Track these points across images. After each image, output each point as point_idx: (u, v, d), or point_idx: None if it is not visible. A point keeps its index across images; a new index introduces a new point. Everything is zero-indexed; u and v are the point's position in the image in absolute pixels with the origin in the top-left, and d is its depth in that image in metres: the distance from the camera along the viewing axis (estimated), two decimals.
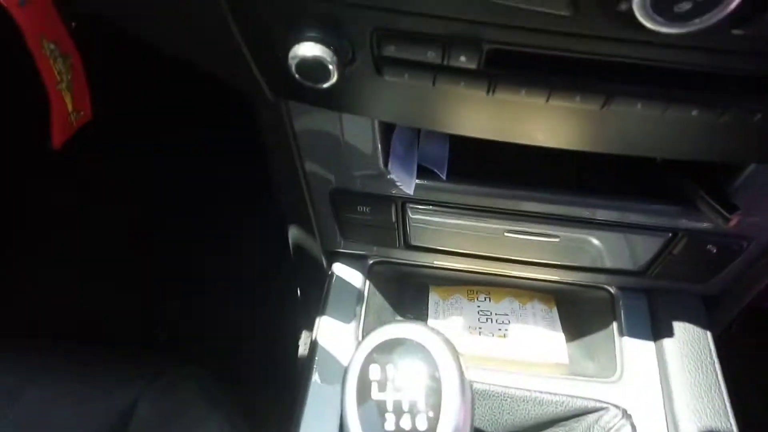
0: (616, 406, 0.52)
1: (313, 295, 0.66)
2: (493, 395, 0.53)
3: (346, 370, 0.34)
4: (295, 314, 0.72)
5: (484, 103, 0.39)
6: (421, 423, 0.30)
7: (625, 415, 0.52)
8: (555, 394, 0.53)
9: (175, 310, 0.86)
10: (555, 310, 0.65)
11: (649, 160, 0.53)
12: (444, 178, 0.51)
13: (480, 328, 0.63)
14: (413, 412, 0.31)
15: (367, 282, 0.63)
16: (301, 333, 0.71)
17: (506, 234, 0.54)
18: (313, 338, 0.57)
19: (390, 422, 0.31)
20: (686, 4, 0.27)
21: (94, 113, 0.47)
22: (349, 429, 0.32)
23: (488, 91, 0.37)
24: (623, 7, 0.29)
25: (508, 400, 0.53)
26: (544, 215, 0.52)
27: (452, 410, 0.31)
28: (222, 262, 0.91)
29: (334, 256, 0.64)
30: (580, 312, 0.64)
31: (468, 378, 0.33)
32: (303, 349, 0.72)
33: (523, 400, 0.53)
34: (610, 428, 0.51)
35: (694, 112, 0.36)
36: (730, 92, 0.35)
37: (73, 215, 0.96)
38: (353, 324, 0.59)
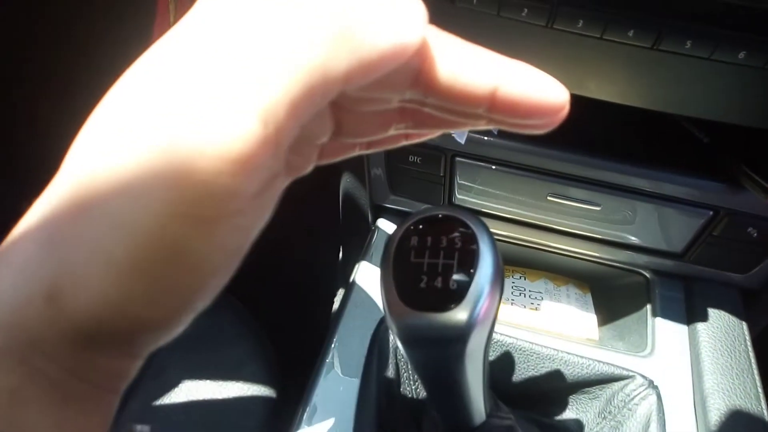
0: (643, 376, 0.52)
1: (353, 255, 0.68)
2: (519, 349, 0.54)
3: (387, 241, 0.36)
4: (335, 271, 0.75)
5: (542, 40, 0.43)
6: (453, 283, 0.32)
7: (652, 385, 0.51)
8: (581, 357, 0.53)
9: None
10: (589, 295, 0.66)
11: (697, 139, 0.55)
12: (495, 133, 0.54)
13: (512, 300, 0.64)
14: (446, 275, 0.33)
15: None
16: (337, 290, 0.73)
17: (549, 198, 0.56)
18: (351, 279, 0.60)
19: (424, 282, 0.33)
20: None
21: None
22: (384, 289, 0.34)
23: (548, 22, 0.41)
24: None
25: (534, 356, 0.54)
26: (588, 180, 0.54)
27: (484, 275, 0.32)
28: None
29: (379, 211, 0.67)
30: (614, 298, 0.64)
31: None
32: (336, 304, 0.74)
33: (549, 359, 0.53)
34: (635, 396, 0.51)
35: (741, 55, 0.38)
36: None
37: None
38: None
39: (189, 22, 0.17)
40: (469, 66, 0.20)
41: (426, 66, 0.20)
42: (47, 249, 0.16)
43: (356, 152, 0.27)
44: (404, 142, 0.28)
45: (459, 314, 0.31)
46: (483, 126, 0.24)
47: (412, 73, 0.20)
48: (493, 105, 0.20)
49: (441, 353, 0.34)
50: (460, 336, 0.32)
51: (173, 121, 0.15)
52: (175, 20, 0.51)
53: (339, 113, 0.22)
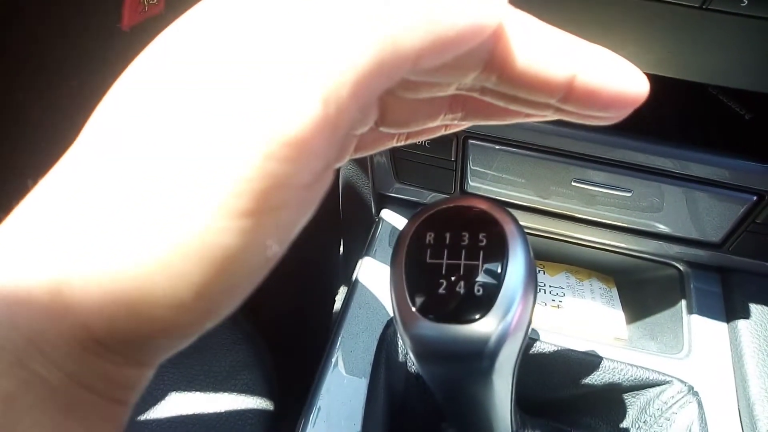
0: (682, 381, 0.47)
1: (356, 249, 0.63)
2: (541, 353, 0.49)
3: (398, 237, 0.31)
4: (337, 267, 0.69)
5: (567, 1, 0.37)
6: (479, 288, 0.27)
7: (692, 391, 0.46)
8: (612, 360, 0.48)
9: None
10: (615, 289, 0.61)
11: (737, 115, 0.50)
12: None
13: None
14: (470, 278, 0.27)
15: None
16: (339, 288, 0.68)
17: (574, 183, 0.50)
18: (354, 277, 0.54)
19: (443, 287, 0.28)
20: None
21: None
22: (396, 294, 0.29)
23: None
24: None
25: (558, 360, 0.49)
26: (618, 163, 0.48)
27: (516, 277, 0.27)
28: None
29: (383, 202, 0.61)
30: (643, 292, 0.59)
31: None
32: (338, 304, 0.69)
33: (575, 362, 0.48)
34: (673, 404, 0.46)
35: None
36: None
37: None
38: None
39: None
40: (548, 49, 0.17)
41: (500, 48, 0.17)
42: (56, 232, 0.14)
43: (392, 143, 0.25)
44: (443, 132, 0.25)
45: (487, 325, 0.26)
46: (545, 118, 0.21)
47: (485, 56, 0.17)
48: (569, 94, 0.18)
49: (464, 369, 0.29)
50: (488, 351, 0.26)
51: (219, 101, 0.13)
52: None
53: (386, 99, 0.20)
